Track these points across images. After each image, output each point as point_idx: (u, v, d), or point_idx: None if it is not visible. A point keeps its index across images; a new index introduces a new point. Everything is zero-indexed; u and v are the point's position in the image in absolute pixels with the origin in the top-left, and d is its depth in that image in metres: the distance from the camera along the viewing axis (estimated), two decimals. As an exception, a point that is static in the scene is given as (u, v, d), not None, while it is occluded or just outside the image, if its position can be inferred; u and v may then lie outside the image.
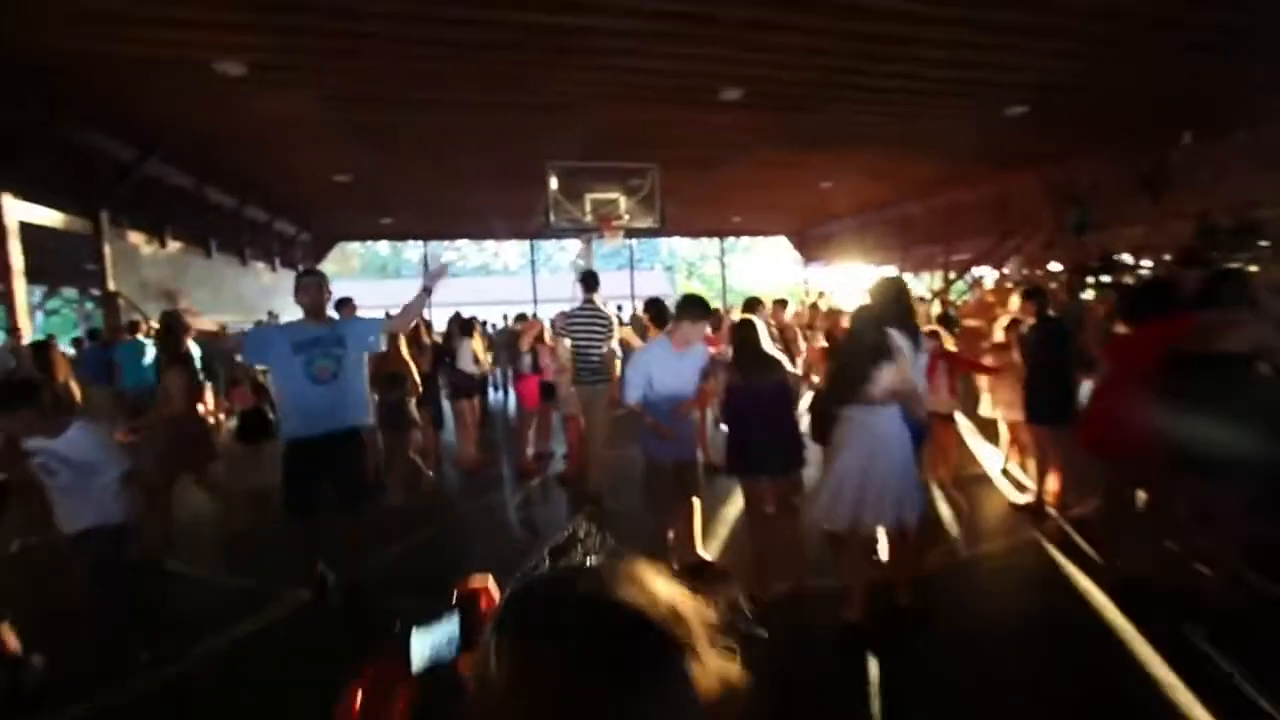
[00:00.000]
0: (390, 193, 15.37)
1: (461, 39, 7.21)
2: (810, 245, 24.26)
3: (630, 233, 8.96)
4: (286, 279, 20.23)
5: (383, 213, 18.46)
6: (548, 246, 40.40)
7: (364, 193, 15.20)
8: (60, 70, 7.94)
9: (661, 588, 0.58)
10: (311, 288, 3.58)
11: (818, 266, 23.78)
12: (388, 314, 4.44)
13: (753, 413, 3.24)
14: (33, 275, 9.23)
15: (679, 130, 10.64)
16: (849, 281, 19.15)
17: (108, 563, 2.90)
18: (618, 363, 5.56)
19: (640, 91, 9.12)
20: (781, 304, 6.11)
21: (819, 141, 11.67)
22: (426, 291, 3.58)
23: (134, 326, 8.79)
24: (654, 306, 5.33)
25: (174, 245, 12.74)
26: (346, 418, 3.40)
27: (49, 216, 9.25)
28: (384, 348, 3.84)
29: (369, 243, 41.26)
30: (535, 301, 23.52)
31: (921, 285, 22.93)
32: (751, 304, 5.26)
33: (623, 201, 8.61)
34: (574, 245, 45.39)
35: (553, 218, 8.44)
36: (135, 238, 11.43)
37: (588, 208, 8.51)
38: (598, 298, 5.75)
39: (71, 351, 9.50)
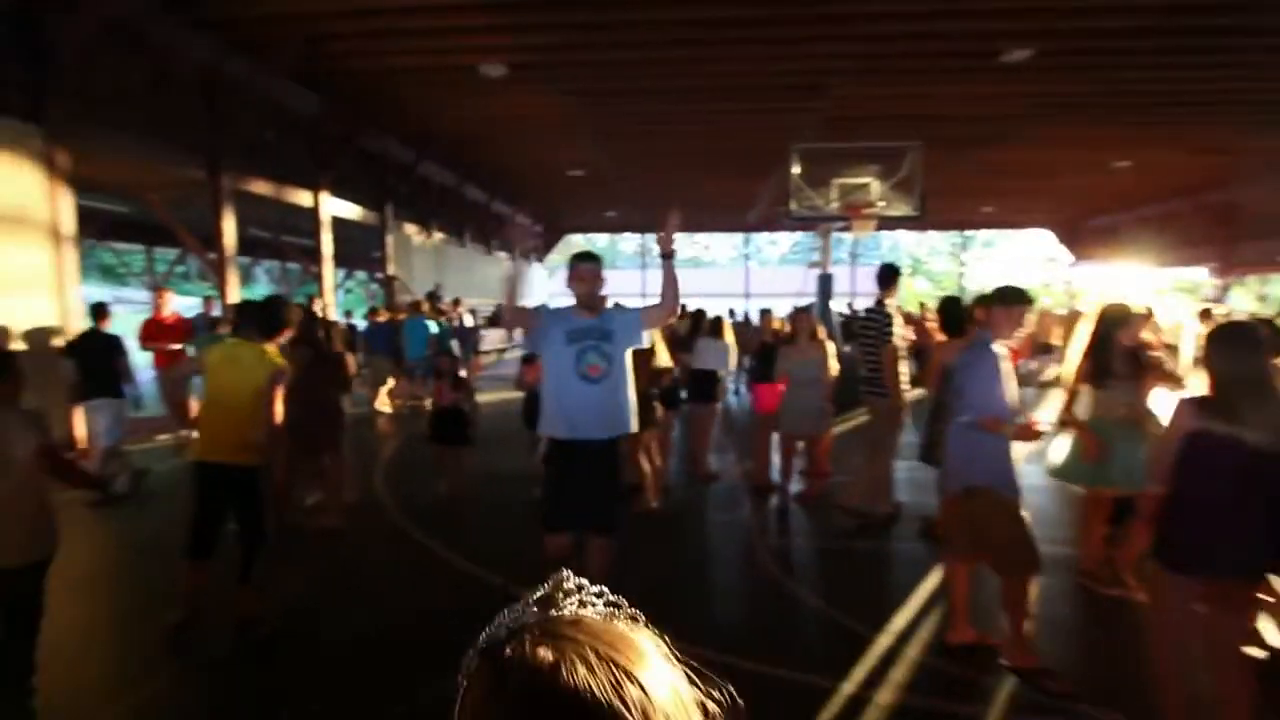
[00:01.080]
0: (616, 187, 15.86)
1: (708, 17, 6.84)
2: (1083, 240, 20.30)
3: (882, 223, 7.85)
4: (522, 268, 22.38)
5: (607, 206, 19.22)
6: (758, 239, 39.52)
7: (593, 187, 15.88)
8: (362, 86, 9.17)
9: (660, 681, 0.46)
10: (590, 274, 2.96)
11: (1089, 266, 19.84)
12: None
13: (1235, 479, 2.11)
14: (336, 260, 10.91)
15: (938, 106, 9.22)
16: (1135, 285, 15.56)
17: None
18: (904, 370, 4.73)
19: (896, 62, 7.99)
20: (1147, 316, 3.87)
21: (1126, 109, 9.40)
22: (668, 257, 2.82)
23: (416, 306, 9.88)
24: (951, 306, 4.37)
25: (438, 236, 14.40)
26: (613, 424, 2.93)
27: (350, 210, 10.84)
28: (648, 343, 3.21)
29: (590, 235, 44.10)
30: (747, 295, 22.98)
31: (1247, 294, 17.95)
32: (1118, 314, 3.44)
33: (875, 186, 7.53)
34: (784, 239, 43.72)
35: (793, 205, 7.65)
36: (409, 229, 13.08)
37: (833, 195, 7.57)
38: (891, 299, 4.89)
39: (363, 325, 11.09)
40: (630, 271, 44.60)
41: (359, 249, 13.87)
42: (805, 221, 8.09)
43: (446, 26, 7.42)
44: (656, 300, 2.97)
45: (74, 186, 6.10)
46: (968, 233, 27.70)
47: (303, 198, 9.61)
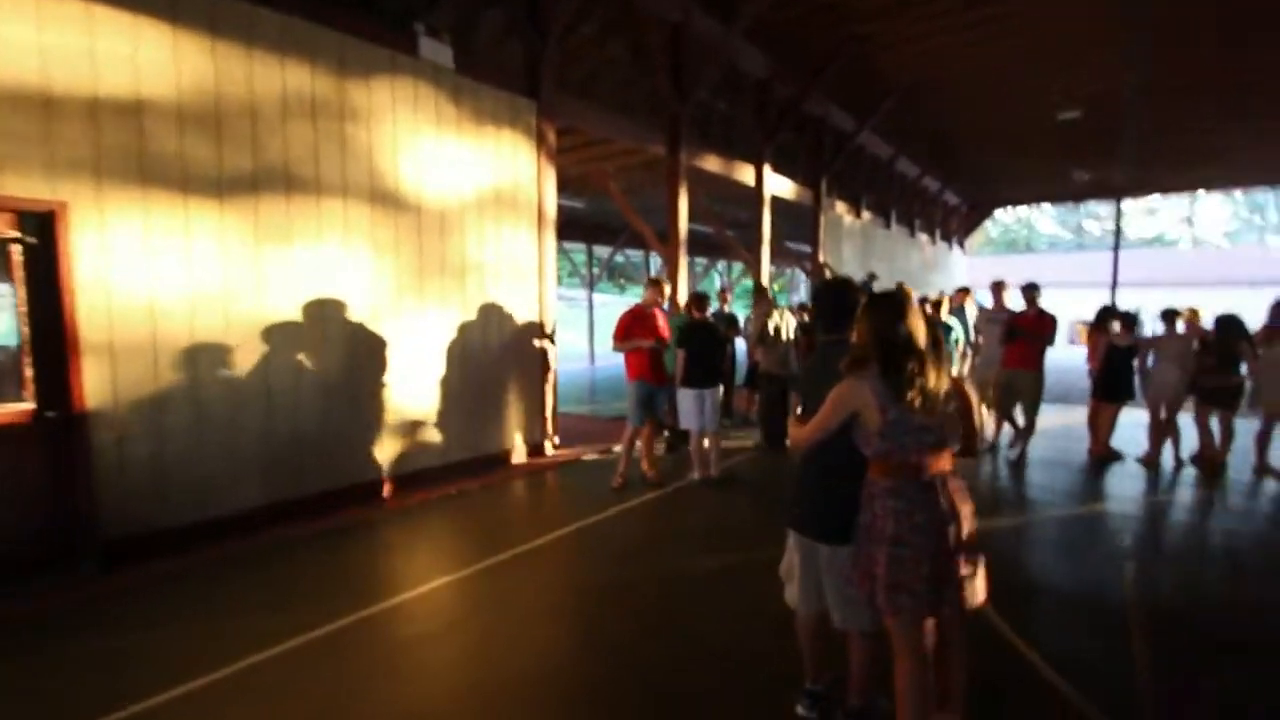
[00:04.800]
0: (1127, 125, 11.36)
1: None
2: None
3: None
4: (943, 253, 18.53)
5: (1083, 163, 14.42)
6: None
7: (1083, 133, 11.66)
8: (822, 33, 7.56)
9: None
10: None
11: None
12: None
13: None
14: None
15: None
16: None
17: None
18: None
19: None
20: None
21: None
22: None
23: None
24: None
25: (865, 216, 12.29)
26: None
27: (785, 187, 9.45)
28: None
29: (1009, 211, 36.56)
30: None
31: None
32: None
33: None
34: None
35: None
36: (840, 208, 11.24)
37: None
38: None
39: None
40: (1052, 256, 35.09)
41: (776, 233, 12.68)
42: None
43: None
44: None
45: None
46: None
47: (746, 174, 8.48)
